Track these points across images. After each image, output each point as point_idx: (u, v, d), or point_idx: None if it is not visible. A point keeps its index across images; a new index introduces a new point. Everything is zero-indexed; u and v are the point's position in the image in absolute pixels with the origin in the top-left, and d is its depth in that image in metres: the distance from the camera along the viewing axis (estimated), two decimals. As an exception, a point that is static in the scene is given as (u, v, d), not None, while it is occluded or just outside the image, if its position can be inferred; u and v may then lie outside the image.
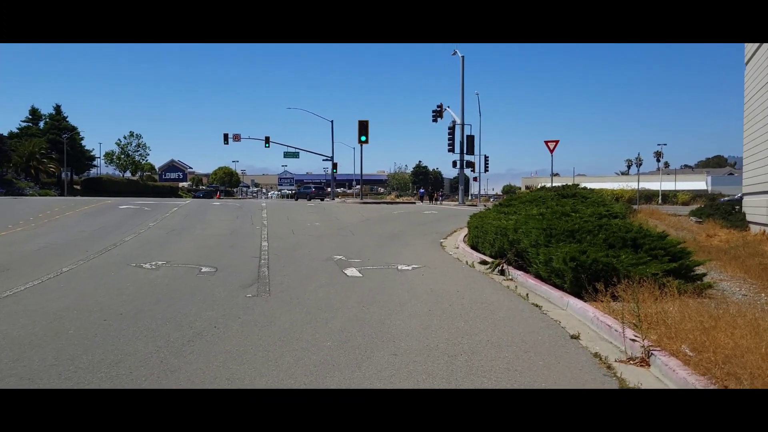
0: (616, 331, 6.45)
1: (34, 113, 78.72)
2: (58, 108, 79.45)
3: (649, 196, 77.01)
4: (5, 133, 69.09)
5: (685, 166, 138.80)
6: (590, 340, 6.53)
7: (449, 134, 49.89)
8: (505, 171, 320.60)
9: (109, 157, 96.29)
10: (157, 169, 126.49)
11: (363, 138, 49.73)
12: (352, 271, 11.22)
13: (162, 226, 19.82)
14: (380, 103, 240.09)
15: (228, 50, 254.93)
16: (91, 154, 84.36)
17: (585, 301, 8.00)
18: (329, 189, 68.78)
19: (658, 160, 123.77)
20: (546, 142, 28.91)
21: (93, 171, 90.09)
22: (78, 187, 76.28)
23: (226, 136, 65.45)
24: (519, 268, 10.93)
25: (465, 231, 17.65)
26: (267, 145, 66.18)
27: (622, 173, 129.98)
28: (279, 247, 15.04)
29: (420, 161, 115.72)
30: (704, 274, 9.36)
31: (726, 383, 4.62)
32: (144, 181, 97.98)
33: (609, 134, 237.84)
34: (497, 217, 13.79)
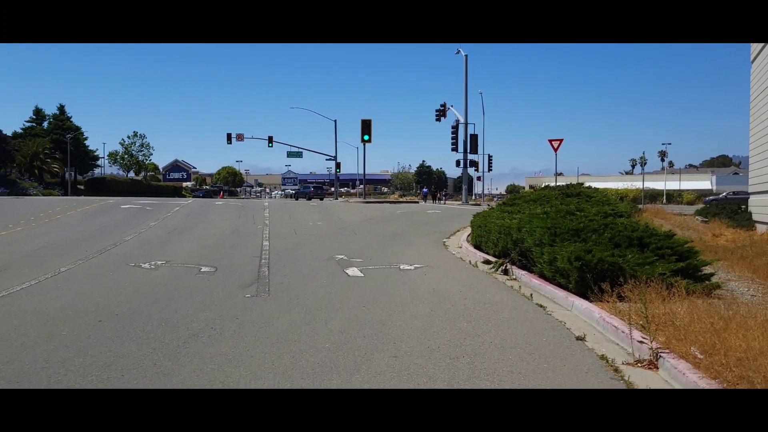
0: (622, 332, 6.28)
1: (38, 113, 78.72)
2: (61, 108, 79.47)
3: (653, 196, 76.77)
4: (9, 133, 69.07)
5: (690, 165, 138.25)
6: (596, 342, 6.36)
7: (452, 133, 49.72)
8: (509, 170, 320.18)
9: (112, 157, 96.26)
10: (161, 169, 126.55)
11: (366, 137, 49.57)
12: (353, 271, 11.06)
13: (163, 226, 19.70)
14: (384, 102, 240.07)
15: (232, 50, 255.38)
16: (95, 154, 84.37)
17: (590, 302, 7.83)
18: (332, 189, 68.69)
19: (663, 160, 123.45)
20: (550, 141, 28.73)
21: (97, 171, 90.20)
22: (81, 187, 76.28)
23: (229, 136, 65.40)
24: (523, 267, 10.76)
25: (468, 230, 17.47)
26: (270, 144, 66.07)
27: (627, 173, 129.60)
28: (280, 246, 14.89)
29: (423, 161, 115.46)
30: (712, 274, 9.17)
31: (738, 387, 4.45)
32: (148, 181, 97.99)
33: (613, 134, 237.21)
34: (501, 216, 13.62)
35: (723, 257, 11.98)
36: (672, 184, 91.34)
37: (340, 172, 69.31)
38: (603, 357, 5.75)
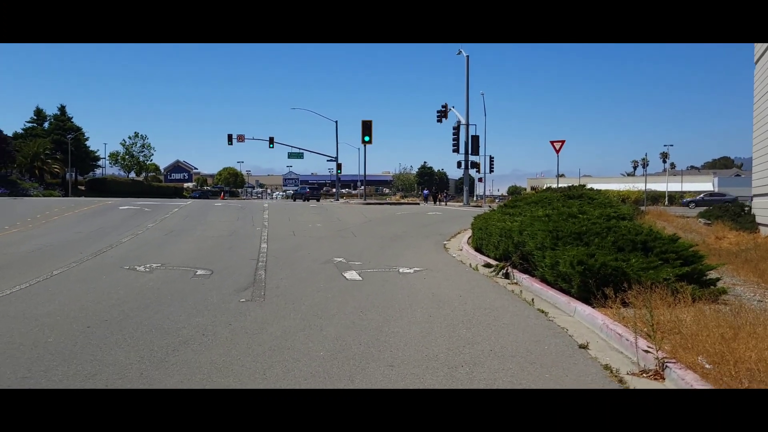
0: (627, 340, 6.07)
1: (39, 114, 78.56)
2: (62, 108, 79.32)
3: (655, 198, 76.40)
4: (10, 134, 68.95)
5: (692, 167, 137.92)
6: (600, 350, 6.15)
7: (454, 134, 49.50)
8: (511, 172, 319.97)
9: (113, 157, 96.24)
10: (163, 170, 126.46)
11: (366, 138, 49.35)
12: (351, 275, 10.86)
13: (161, 227, 19.51)
14: (385, 103, 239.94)
15: (233, 51, 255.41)
16: (96, 154, 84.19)
17: (593, 308, 7.62)
18: (333, 190, 68.52)
19: (665, 161, 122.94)
20: (552, 143, 28.52)
21: (98, 171, 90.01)
22: (82, 188, 76.14)
23: (230, 137, 65.25)
24: (524, 271, 10.55)
25: (469, 233, 17.27)
26: (271, 145, 65.91)
27: (628, 174, 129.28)
28: (278, 248, 14.70)
29: (425, 162, 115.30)
30: (718, 279, 8.97)
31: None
32: (149, 181, 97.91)
33: (615, 135, 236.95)
34: (502, 218, 13.41)
35: (727, 260, 11.76)
36: (674, 186, 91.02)
37: (341, 173, 69.09)
38: (607, 367, 5.54)
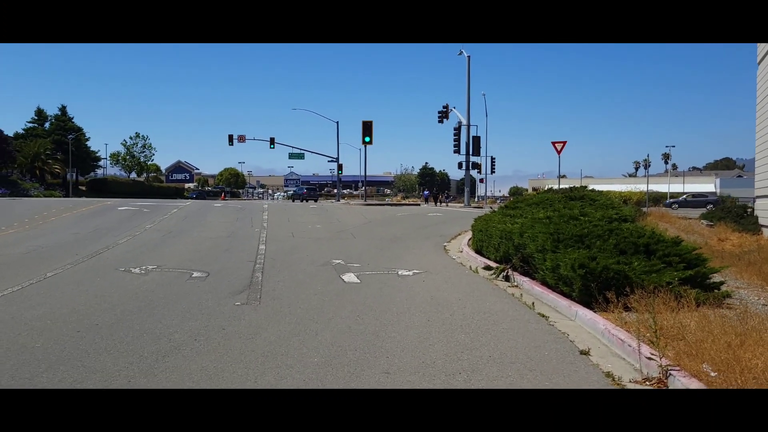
0: (629, 346, 5.91)
1: (40, 114, 78.43)
2: (63, 109, 79.18)
3: (657, 199, 76.09)
4: (11, 134, 68.86)
5: (694, 168, 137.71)
6: (601, 357, 6.00)
7: (455, 135, 49.34)
8: (512, 173, 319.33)
9: (114, 158, 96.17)
10: (164, 170, 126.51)
11: (367, 139, 49.20)
12: (349, 277, 10.71)
13: (159, 228, 19.36)
14: (387, 104, 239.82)
15: (234, 51, 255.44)
16: (97, 155, 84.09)
17: (595, 312, 7.47)
18: (334, 190, 68.46)
19: (666, 162, 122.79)
20: (553, 143, 28.35)
21: (99, 172, 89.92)
22: (83, 188, 76.05)
23: (231, 137, 65.21)
24: (525, 274, 10.39)
25: (469, 234, 17.11)
26: (272, 146, 65.81)
27: (630, 175, 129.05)
28: (276, 250, 14.55)
29: (426, 163, 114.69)
30: (722, 283, 8.81)
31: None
32: (150, 182, 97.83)
33: (616, 136, 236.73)
34: (502, 220, 13.26)
35: (730, 263, 11.61)
36: (676, 187, 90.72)
37: (342, 173, 68.96)
38: (609, 374, 5.39)
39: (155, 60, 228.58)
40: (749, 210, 25.01)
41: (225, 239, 16.77)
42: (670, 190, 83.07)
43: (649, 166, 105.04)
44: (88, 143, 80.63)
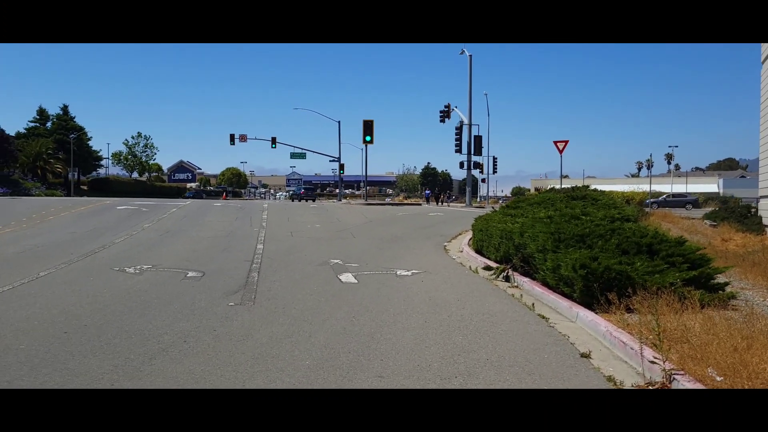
0: (632, 349, 5.74)
1: (42, 113, 78.38)
2: (65, 108, 79.12)
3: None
4: (12, 133, 68.77)
5: (696, 168, 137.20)
6: (603, 360, 5.81)
7: (456, 134, 49.09)
8: (515, 173, 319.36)
9: (116, 157, 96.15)
10: (166, 170, 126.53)
11: (368, 138, 48.99)
12: (347, 277, 10.53)
13: (157, 228, 19.19)
14: (389, 103, 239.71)
15: (236, 51, 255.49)
16: (99, 154, 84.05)
17: (596, 313, 7.28)
18: (336, 190, 68.36)
19: (669, 163, 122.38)
20: (555, 143, 28.15)
21: (101, 171, 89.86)
22: (85, 188, 75.99)
23: (232, 137, 65.11)
24: (525, 274, 10.21)
25: (470, 234, 16.92)
26: (273, 145, 65.61)
27: (633, 175, 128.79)
28: (274, 250, 14.37)
29: (429, 162, 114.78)
30: (726, 283, 8.61)
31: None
32: (152, 181, 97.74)
33: (619, 136, 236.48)
34: (503, 219, 13.07)
35: (734, 263, 11.40)
36: (678, 187, 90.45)
37: (343, 173, 68.74)
38: (610, 378, 5.21)
39: (157, 60, 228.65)
40: (753, 210, 24.79)
41: (223, 238, 16.60)
42: (673, 191, 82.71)
43: (652, 166, 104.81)
44: (90, 143, 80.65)
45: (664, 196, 66.14)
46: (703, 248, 9.70)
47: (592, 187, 15.55)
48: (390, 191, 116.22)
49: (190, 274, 10.57)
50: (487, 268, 11.53)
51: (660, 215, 27.21)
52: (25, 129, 76.10)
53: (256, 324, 7.03)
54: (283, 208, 34.12)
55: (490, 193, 79.89)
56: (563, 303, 8.04)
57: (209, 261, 12.33)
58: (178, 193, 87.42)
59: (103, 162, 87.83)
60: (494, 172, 64.44)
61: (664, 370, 4.97)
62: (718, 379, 4.67)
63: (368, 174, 61.94)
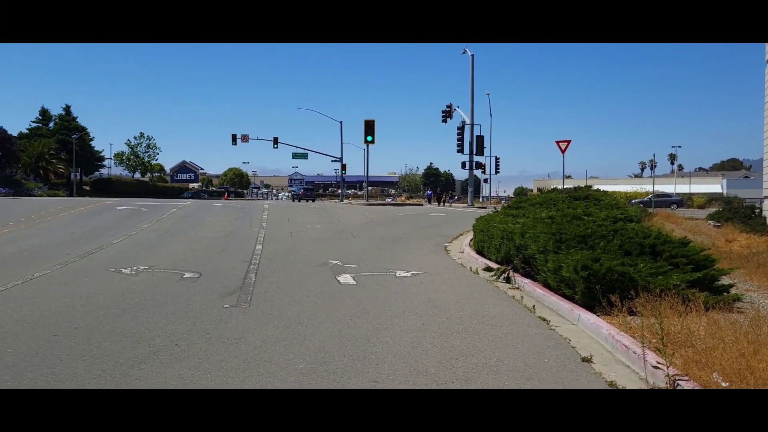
0: (634, 353, 5.58)
1: (44, 114, 78.42)
2: (67, 108, 79.13)
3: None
4: (15, 134, 68.77)
5: (700, 168, 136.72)
6: (604, 364, 5.66)
7: (458, 134, 48.87)
8: (518, 173, 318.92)
9: (119, 157, 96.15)
10: (169, 170, 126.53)
11: (369, 138, 48.82)
12: (345, 278, 10.38)
13: (156, 228, 19.07)
14: (391, 103, 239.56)
15: (239, 51, 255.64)
16: (101, 154, 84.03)
17: (598, 316, 7.12)
18: (339, 191, 68.30)
19: (672, 163, 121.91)
20: (557, 142, 27.99)
21: (103, 172, 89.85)
22: (87, 188, 75.98)
23: (234, 137, 64.91)
24: (526, 275, 10.05)
25: (471, 234, 16.76)
26: (275, 146, 65.41)
27: (636, 176, 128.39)
28: (273, 250, 14.23)
29: (431, 163, 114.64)
30: (731, 285, 8.45)
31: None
32: (154, 181, 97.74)
33: (622, 136, 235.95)
34: (504, 220, 12.92)
35: (739, 264, 11.23)
36: (682, 188, 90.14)
37: (345, 173, 68.56)
38: (612, 384, 5.06)
39: (160, 60, 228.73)
40: (757, 210, 24.60)
41: (222, 239, 16.47)
42: (677, 191, 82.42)
43: (655, 166, 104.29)
44: (93, 143, 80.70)
45: (649, 196, 66.70)
46: (708, 249, 9.54)
47: (595, 187, 15.38)
48: (392, 191, 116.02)
49: (187, 275, 10.43)
50: (488, 269, 11.37)
51: (663, 215, 27.04)
52: (28, 129, 76.17)
53: (251, 326, 6.89)
54: (284, 208, 33.99)
55: (493, 194, 79.79)
56: (564, 305, 7.88)
57: (207, 262, 12.19)
58: (181, 193, 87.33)
59: (105, 162, 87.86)
60: (497, 172, 64.21)
61: (667, 375, 4.82)
62: (724, 385, 4.52)
63: (371, 174, 61.86)
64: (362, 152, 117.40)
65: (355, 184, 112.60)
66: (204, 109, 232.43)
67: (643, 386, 5.00)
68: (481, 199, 71.40)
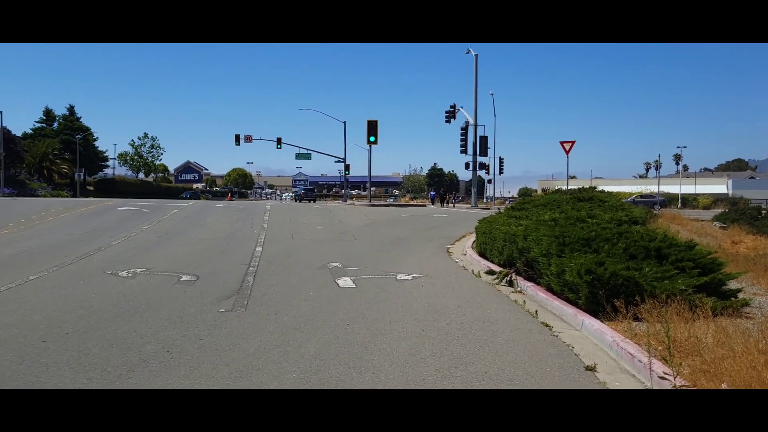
0: (640, 362, 5.39)
1: (48, 114, 78.38)
2: (71, 108, 79.06)
3: (669, 200, 75.31)
4: (19, 134, 68.81)
5: (705, 169, 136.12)
6: (609, 373, 5.47)
7: (462, 135, 48.65)
8: (522, 173, 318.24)
9: (122, 158, 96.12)
10: (173, 171, 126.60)
11: (372, 138, 48.56)
12: (345, 281, 10.21)
13: (156, 229, 18.92)
14: (395, 104, 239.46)
15: (243, 51, 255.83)
16: (105, 155, 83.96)
17: (602, 321, 6.93)
18: (343, 191, 68.14)
19: (678, 163, 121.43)
20: (561, 143, 27.76)
21: (107, 172, 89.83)
22: (91, 188, 75.94)
23: (237, 137, 64.67)
24: (529, 278, 9.86)
25: (474, 236, 16.57)
26: (279, 146, 65.21)
27: (641, 176, 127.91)
28: (273, 252, 14.06)
29: (435, 163, 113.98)
30: (739, 290, 8.24)
31: None
32: (158, 182, 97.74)
33: (627, 137, 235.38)
34: (507, 222, 12.72)
35: (745, 267, 11.02)
36: (687, 188, 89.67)
37: (349, 174, 68.40)
38: (617, 395, 4.85)
39: (164, 60, 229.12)
40: (763, 211, 24.36)
41: (222, 241, 16.31)
42: (682, 192, 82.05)
43: (660, 167, 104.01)
44: (96, 143, 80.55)
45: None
46: (714, 252, 9.34)
47: (600, 188, 15.18)
48: (396, 192, 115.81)
49: (184, 278, 10.27)
50: (490, 272, 11.19)
51: (669, 217, 26.81)
52: (32, 129, 76.15)
53: (245, 332, 6.71)
54: (286, 209, 33.83)
55: (497, 194, 79.43)
56: (568, 310, 7.69)
57: (205, 264, 12.03)
58: (182, 193, 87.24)
59: (109, 163, 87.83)
60: (501, 172, 63.92)
61: (674, 386, 4.64)
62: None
63: (375, 175, 61.62)
64: (366, 152, 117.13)
65: (359, 184, 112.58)
66: (208, 110, 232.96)
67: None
68: (485, 200, 71.10)
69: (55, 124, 77.63)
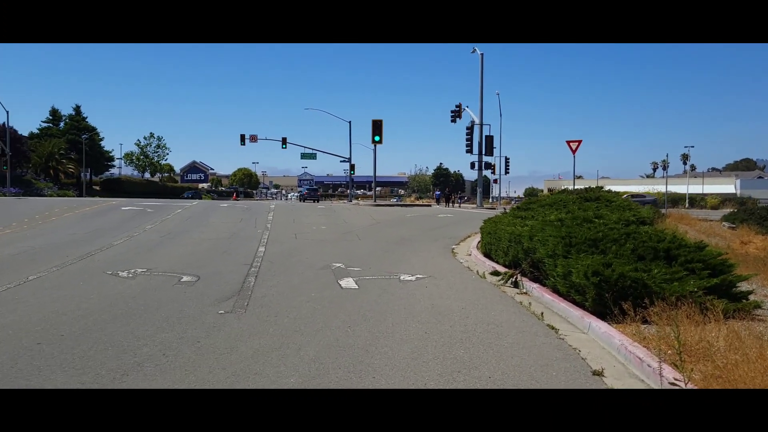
0: (649, 366, 5.23)
1: (54, 114, 78.58)
2: (77, 108, 79.26)
3: (675, 200, 74.91)
4: (26, 134, 68.97)
5: (713, 169, 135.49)
6: (617, 378, 5.31)
7: (467, 134, 48.43)
8: (528, 173, 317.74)
9: (128, 157, 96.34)
10: (179, 171, 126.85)
11: (377, 138, 48.40)
12: (347, 282, 10.06)
13: (159, 229, 18.82)
14: (400, 104, 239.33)
15: (248, 51, 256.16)
16: (111, 154, 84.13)
17: (610, 324, 6.76)
18: (348, 191, 68.05)
19: (685, 163, 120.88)
20: (568, 142, 27.57)
21: (113, 171, 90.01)
22: (97, 188, 76.09)
23: (242, 137, 64.68)
24: (535, 280, 9.69)
25: (479, 236, 16.39)
26: (284, 146, 65.17)
27: (648, 176, 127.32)
28: (276, 252, 13.93)
29: (441, 163, 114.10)
30: (750, 292, 8.05)
31: None
32: (163, 181, 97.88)
33: (634, 136, 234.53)
34: (512, 222, 12.55)
35: (756, 268, 10.82)
36: (695, 188, 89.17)
37: (354, 173, 68.18)
38: (625, 401, 4.68)
39: (169, 60, 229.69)
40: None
41: (225, 241, 16.19)
42: (689, 192, 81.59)
43: (668, 167, 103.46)
44: (102, 143, 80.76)
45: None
46: (725, 253, 9.14)
47: (606, 188, 14.99)
48: (401, 192, 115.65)
49: (185, 278, 10.14)
50: (495, 273, 11.02)
51: (677, 217, 26.58)
52: (38, 129, 76.37)
53: (244, 335, 6.57)
54: (290, 209, 33.71)
55: (503, 194, 79.20)
56: (574, 312, 7.52)
57: (207, 264, 11.90)
58: (186, 193, 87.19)
59: (115, 162, 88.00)
60: (506, 172, 63.64)
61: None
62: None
63: (380, 175, 61.50)
64: (371, 152, 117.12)
65: (365, 184, 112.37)
66: (214, 110, 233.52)
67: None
68: (490, 200, 70.88)
69: (62, 124, 77.81)
